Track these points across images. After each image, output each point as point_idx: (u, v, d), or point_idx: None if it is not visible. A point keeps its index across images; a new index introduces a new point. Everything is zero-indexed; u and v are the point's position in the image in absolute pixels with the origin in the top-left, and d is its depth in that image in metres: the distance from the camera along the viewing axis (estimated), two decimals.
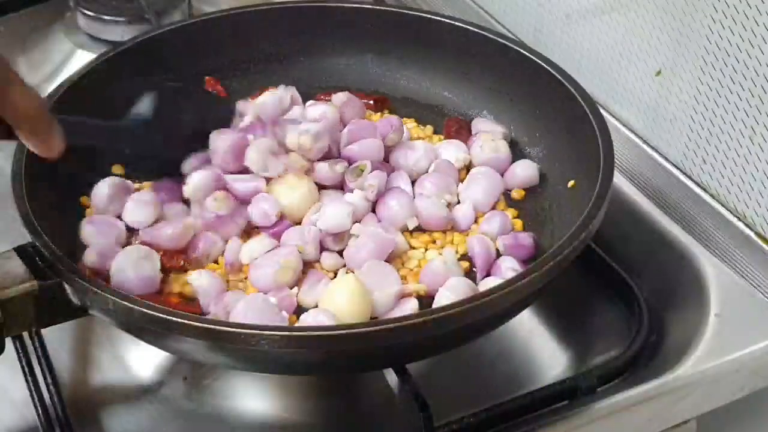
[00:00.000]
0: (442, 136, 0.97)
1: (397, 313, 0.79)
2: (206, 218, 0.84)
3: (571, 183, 0.89)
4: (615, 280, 0.89)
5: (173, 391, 0.82)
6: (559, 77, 0.92)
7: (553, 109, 0.93)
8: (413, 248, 0.86)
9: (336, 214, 0.84)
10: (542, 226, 0.89)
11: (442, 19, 1.00)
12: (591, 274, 0.90)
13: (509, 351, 0.86)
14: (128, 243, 0.85)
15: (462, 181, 0.92)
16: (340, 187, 0.89)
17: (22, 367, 0.80)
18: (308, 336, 0.71)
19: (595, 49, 1.05)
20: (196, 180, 0.86)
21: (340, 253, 0.84)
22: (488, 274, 0.84)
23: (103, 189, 0.87)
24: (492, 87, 0.99)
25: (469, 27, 0.99)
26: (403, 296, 0.80)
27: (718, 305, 0.85)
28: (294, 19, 1.03)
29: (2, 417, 0.80)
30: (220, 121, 0.91)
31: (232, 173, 0.88)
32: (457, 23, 1.00)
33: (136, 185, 0.91)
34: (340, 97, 0.99)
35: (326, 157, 0.89)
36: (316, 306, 0.80)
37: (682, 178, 0.98)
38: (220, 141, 0.88)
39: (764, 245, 0.91)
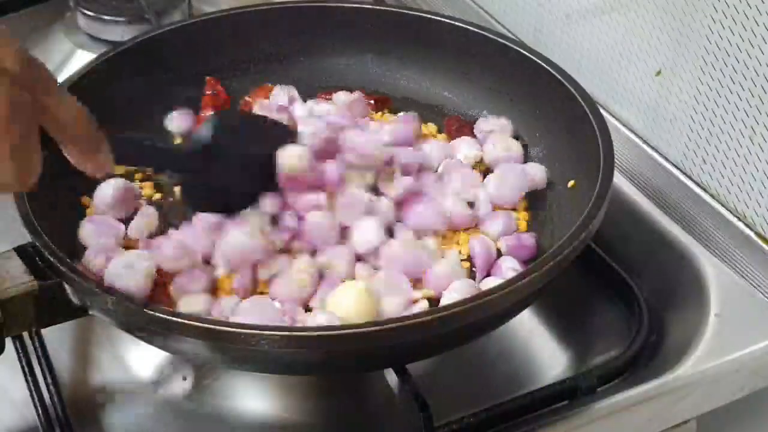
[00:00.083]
0: (444, 135, 0.97)
1: None
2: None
3: (571, 183, 0.89)
4: (615, 280, 0.89)
5: (173, 391, 0.82)
6: (559, 77, 0.92)
7: (553, 109, 0.93)
8: None
9: (367, 232, 0.83)
10: (542, 226, 0.89)
11: (442, 19, 1.00)
12: (591, 274, 0.90)
13: (509, 351, 0.86)
14: (131, 243, 0.86)
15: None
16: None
17: (22, 367, 0.80)
18: (308, 336, 0.71)
19: (595, 49, 1.05)
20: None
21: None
22: (488, 275, 0.84)
23: (106, 191, 0.87)
24: (492, 87, 0.99)
25: (469, 27, 0.99)
26: (413, 302, 0.80)
27: (718, 305, 0.85)
28: (294, 19, 1.03)
29: (2, 417, 0.80)
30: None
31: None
32: (457, 23, 1.00)
33: (138, 185, 0.91)
34: (341, 96, 0.99)
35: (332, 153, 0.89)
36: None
37: (682, 178, 0.98)
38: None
39: (764, 245, 0.91)
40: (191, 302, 0.78)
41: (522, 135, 0.96)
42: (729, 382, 0.83)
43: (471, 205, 0.89)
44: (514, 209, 0.89)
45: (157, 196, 0.92)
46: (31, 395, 0.79)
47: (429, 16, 1.02)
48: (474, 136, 0.96)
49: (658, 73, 0.98)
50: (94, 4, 1.17)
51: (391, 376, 0.76)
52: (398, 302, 0.79)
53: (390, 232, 0.85)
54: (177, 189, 0.92)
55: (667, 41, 0.96)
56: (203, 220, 0.84)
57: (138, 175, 0.93)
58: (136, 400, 0.82)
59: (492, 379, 0.83)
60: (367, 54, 1.03)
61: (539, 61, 0.94)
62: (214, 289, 0.81)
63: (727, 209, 0.94)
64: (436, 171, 0.92)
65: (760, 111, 0.88)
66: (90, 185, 0.88)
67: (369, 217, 0.84)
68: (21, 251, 0.76)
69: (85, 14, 1.17)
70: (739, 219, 0.93)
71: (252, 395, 0.82)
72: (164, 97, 0.97)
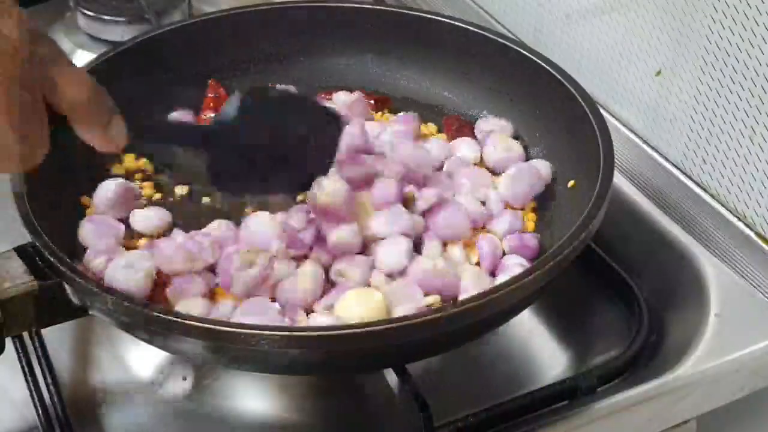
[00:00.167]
0: (444, 135, 0.98)
1: None
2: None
3: (571, 183, 0.89)
4: (615, 280, 0.89)
5: (173, 391, 0.82)
6: (559, 77, 0.92)
7: (553, 109, 0.93)
8: None
9: (395, 253, 0.82)
10: (547, 227, 0.89)
11: (442, 19, 1.00)
12: (591, 274, 0.90)
13: (509, 351, 0.86)
14: (131, 243, 0.86)
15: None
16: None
17: (22, 367, 0.80)
18: (308, 336, 0.71)
19: (595, 49, 1.05)
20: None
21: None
22: (492, 274, 0.84)
23: (107, 190, 0.87)
24: (492, 87, 0.99)
25: (469, 27, 0.99)
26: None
27: (718, 305, 0.85)
28: (294, 19, 1.03)
29: (2, 417, 0.80)
30: (323, 140, 0.83)
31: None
32: (457, 23, 1.00)
33: (138, 185, 0.92)
34: (342, 96, 0.99)
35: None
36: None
37: (682, 178, 0.98)
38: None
39: (764, 245, 0.91)
40: (189, 306, 0.78)
41: (522, 135, 0.96)
42: (729, 382, 0.83)
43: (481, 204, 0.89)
44: (522, 209, 0.90)
45: (158, 196, 0.92)
46: (31, 395, 0.79)
47: (429, 16, 1.02)
48: (474, 137, 0.97)
49: (658, 73, 0.98)
50: (94, 4, 1.17)
51: (391, 376, 0.76)
52: (410, 310, 0.77)
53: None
54: (178, 189, 0.92)
55: (667, 41, 0.96)
56: (212, 233, 0.84)
57: (138, 175, 0.93)
58: (136, 400, 0.82)
59: (492, 379, 0.83)
60: (367, 54, 1.03)
61: (539, 61, 0.94)
62: (212, 294, 0.81)
63: (727, 209, 0.94)
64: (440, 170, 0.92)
65: (760, 111, 0.88)
66: (90, 185, 0.88)
67: (400, 237, 0.83)
68: (21, 251, 0.76)
69: (85, 14, 1.17)
70: (739, 219, 0.93)
71: (252, 395, 0.82)
72: (164, 97, 0.97)
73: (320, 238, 0.83)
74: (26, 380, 0.80)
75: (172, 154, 0.96)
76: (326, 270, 0.81)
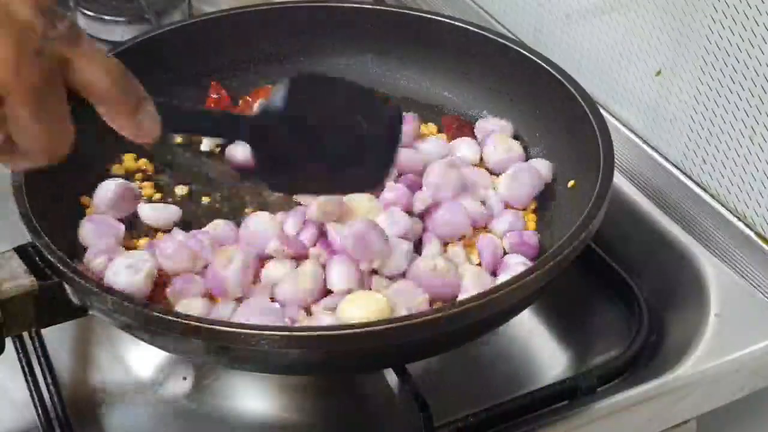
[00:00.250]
0: (444, 135, 0.98)
1: None
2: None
3: (571, 183, 0.89)
4: (615, 280, 0.89)
5: (173, 391, 0.82)
6: (559, 77, 0.92)
7: (553, 109, 0.93)
8: None
9: (396, 257, 0.81)
10: (547, 227, 0.89)
11: (442, 19, 1.00)
12: (591, 274, 0.90)
13: (509, 351, 0.86)
14: (131, 243, 0.86)
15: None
16: None
17: (22, 367, 0.80)
18: (308, 336, 0.71)
19: (595, 49, 1.05)
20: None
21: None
22: (493, 274, 0.84)
23: (107, 190, 0.87)
24: (492, 87, 0.99)
25: (469, 27, 0.99)
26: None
27: (718, 305, 0.85)
28: (294, 19, 1.03)
29: (2, 417, 0.80)
30: (381, 133, 0.76)
31: None
32: (457, 23, 1.00)
33: (138, 185, 0.92)
34: None
35: None
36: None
37: (682, 178, 0.98)
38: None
39: (764, 245, 0.91)
40: (189, 305, 0.78)
41: (522, 135, 0.96)
42: (729, 382, 0.83)
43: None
44: (524, 209, 0.90)
45: (158, 195, 0.92)
46: (31, 395, 0.79)
47: (429, 16, 1.02)
48: (474, 137, 0.97)
49: (658, 73, 0.98)
50: (94, 4, 1.17)
51: (391, 376, 0.76)
52: (413, 310, 0.77)
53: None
54: (178, 189, 0.92)
55: (667, 41, 0.96)
56: (212, 233, 0.85)
57: (138, 175, 0.93)
58: (136, 400, 0.82)
59: (492, 379, 0.83)
60: (367, 54, 1.03)
61: (539, 61, 0.94)
62: (212, 294, 0.81)
63: (727, 209, 0.94)
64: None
65: (760, 111, 0.88)
66: (90, 185, 0.88)
67: (399, 239, 0.82)
68: (21, 251, 0.76)
69: (85, 14, 1.17)
70: (739, 219, 0.93)
71: (252, 395, 0.82)
72: (164, 98, 0.96)
73: (322, 235, 0.83)
74: (26, 380, 0.80)
75: (173, 153, 0.96)
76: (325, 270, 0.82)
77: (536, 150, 0.95)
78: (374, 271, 0.81)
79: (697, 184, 0.97)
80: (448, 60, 1.01)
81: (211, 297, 0.80)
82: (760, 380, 0.84)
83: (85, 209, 0.88)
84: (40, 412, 0.78)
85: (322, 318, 0.77)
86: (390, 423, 0.80)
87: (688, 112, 0.96)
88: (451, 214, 0.85)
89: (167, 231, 0.86)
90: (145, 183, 0.93)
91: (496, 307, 0.73)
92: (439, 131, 0.98)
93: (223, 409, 0.81)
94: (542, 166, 0.91)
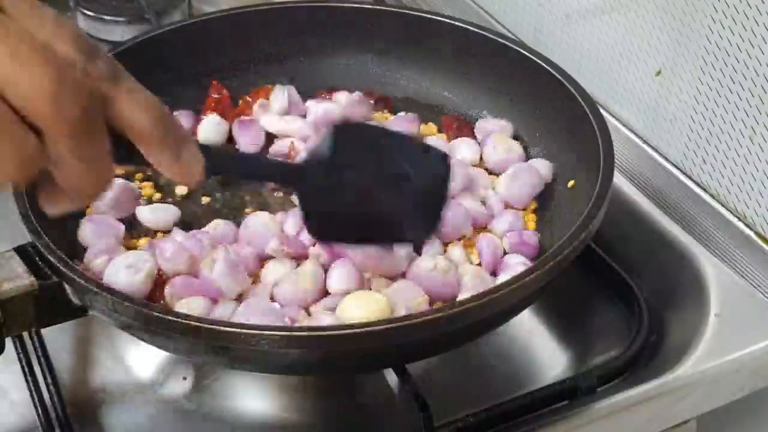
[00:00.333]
0: (444, 135, 0.98)
1: None
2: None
3: (571, 183, 0.89)
4: (615, 280, 0.89)
5: (173, 391, 0.82)
6: (559, 77, 0.92)
7: (553, 109, 0.93)
8: None
9: (395, 258, 0.81)
10: (547, 227, 0.89)
11: (442, 19, 1.00)
12: (591, 274, 0.90)
13: (509, 351, 0.86)
14: (131, 243, 0.86)
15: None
16: None
17: (22, 367, 0.80)
18: (308, 336, 0.71)
19: (595, 49, 1.05)
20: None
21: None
22: (493, 274, 0.84)
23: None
24: (492, 87, 0.99)
25: (469, 27, 0.99)
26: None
27: (718, 305, 0.85)
28: (294, 19, 1.03)
29: (2, 417, 0.80)
30: (427, 180, 0.74)
31: None
32: (457, 23, 1.00)
33: (138, 185, 0.92)
34: (342, 96, 0.99)
35: None
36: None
37: (682, 178, 0.98)
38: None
39: (764, 245, 0.91)
40: (189, 305, 0.78)
41: (522, 135, 0.96)
42: (729, 382, 0.83)
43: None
44: (524, 209, 0.90)
45: (158, 195, 0.92)
46: (31, 395, 0.79)
47: (429, 16, 1.02)
48: (474, 137, 0.97)
49: (658, 73, 0.98)
50: (94, 4, 1.17)
51: (391, 376, 0.76)
52: (411, 309, 0.77)
53: None
54: (178, 189, 0.92)
55: (667, 41, 0.96)
56: (212, 233, 0.85)
57: (138, 175, 0.93)
58: (136, 400, 0.82)
59: (492, 379, 0.83)
60: (367, 54, 1.03)
61: (539, 61, 0.94)
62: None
63: (727, 209, 0.94)
64: None
65: (760, 111, 0.88)
66: None
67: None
68: (21, 251, 0.76)
69: (85, 14, 1.17)
70: (739, 219, 0.93)
71: (252, 395, 0.82)
72: (164, 97, 0.96)
73: None
74: (26, 380, 0.80)
75: None
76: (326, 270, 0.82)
77: (536, 150, 0.95)
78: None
79: (697, 184, 0.97)
80: (448, 60, 1.01)
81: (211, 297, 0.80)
82: (760, 380, 0.84)
83: (85, 209, 0.88)
84: (40, 412, 0.78)
85: (322, 318, 0.77)
86: (390, 423, 0.80)
87: (688, 112, 0.96)
88: (451, 214, 0.85)
89: (167, 231, 0.87)
90: (145, 183, 0.93)
91: (496, 307, 0.73)
92: (439, 131, 0.98)
93: (223, 409, 0.81)
94: (542, 166, 0.91)
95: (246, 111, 0.99)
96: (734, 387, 0.83)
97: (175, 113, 0.96)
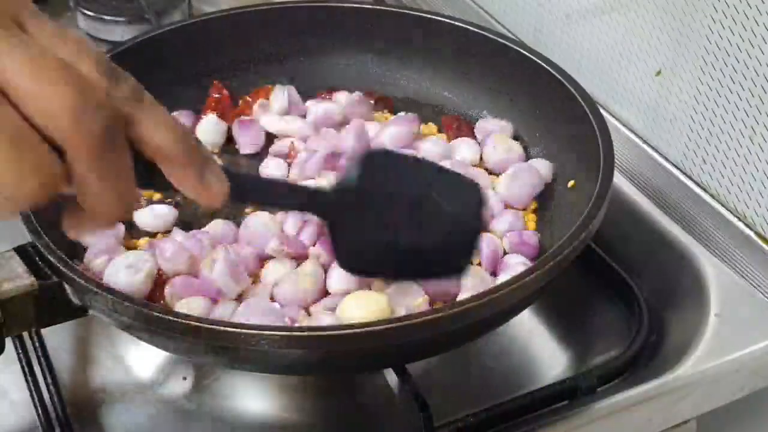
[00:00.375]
0: (444, 135, 0.98)
1: None
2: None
3: (571, 183, 0.89)
4: (615, 280, 0.89)
5: (173, 391, 0.82)
6: (559, 77, 0.92)
7: (553, 109, 0.93)
8: None
9: None
10: (547, 227, 0.89)
11: (442, 19, 1.00)
12: (591, 274, 0.90)
13: (509, 351, 0.86)
14: (131, 243, 0.86)
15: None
16: None
17: (22, 367, 0.80)
18: (308, 336, 0.71)
19: (595, 49, 1.05)
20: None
21: None
22: (493, 274, 0.84)
23: None
24: (492, 87, 0.99)
25: (469, 27, 0.99)
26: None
27: (718, 305, 0.85)
28: (294, 19, 1.03)
29: (2, 417, 0.80)
30: (459, 210, 0.72)
31: None
32: (457, 23, 1.00)
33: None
34: (342, 96, 0.99)
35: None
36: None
37: (682, 178, 0.98)
38: None
39: (764, 245, 0.91)
40: (189, 305, 0.78)
41: (522, 135, 0.96)
42: (729, 382, 0.83)
43: None
44: (524, 209, 0.90)
45: (157, 195, 0.92)
46: (31, 395, 0.79)
47: (429, 16, 1.02)
48: (474, 137, 0.97)
49: (658, 73, 0.98)
50: (94, 4, 1.17)
51: (391, 376, 0.76)
52: (411, 309, 0.77)
53: None
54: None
55: (667, 41, 0.96)
56: (212, 233, 0.85)
57: None
58: (136, 400, 0.82)
59: (492, 379, 0.83)
60: (367, 54, 1.03)
61: (539, 61, 0.94)
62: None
63: (727, 209, 0.94)
64: None
65: (760, 111, 0.88)
66: None
67: None
68: (21, 251, 0.76)
69: (85, 14, 1.17)
70: (739, 219, 0.93)
71: (252, 395, 0.82)
72: (164, 97, 0.96)
73: (322, 235, 0.83)
74: (26, 380, 0.80)
75: None
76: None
77: (536, 150, 0.95)
78: None
79: (697, 184, 0.97)
80: (448, 60, 1.01)
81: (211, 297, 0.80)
82: (760, 380, 0.84)
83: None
84: (40, 412, 0.78)
85: (322, 318, 0.77)
86: (390, 423, 0.80)
87: (688, 112, 0.96)
88: None
89: (167, 232, 0.87)
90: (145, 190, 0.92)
91: (496, 307, 0.73)
92: (439, 131, 0.98)
93: (223, 409, 0.81)
94: (542, 166, 0.91)
95: (246, 111, 0.99)
96: (734, 387, 0.83)
97: (175, 113, 0.96)
